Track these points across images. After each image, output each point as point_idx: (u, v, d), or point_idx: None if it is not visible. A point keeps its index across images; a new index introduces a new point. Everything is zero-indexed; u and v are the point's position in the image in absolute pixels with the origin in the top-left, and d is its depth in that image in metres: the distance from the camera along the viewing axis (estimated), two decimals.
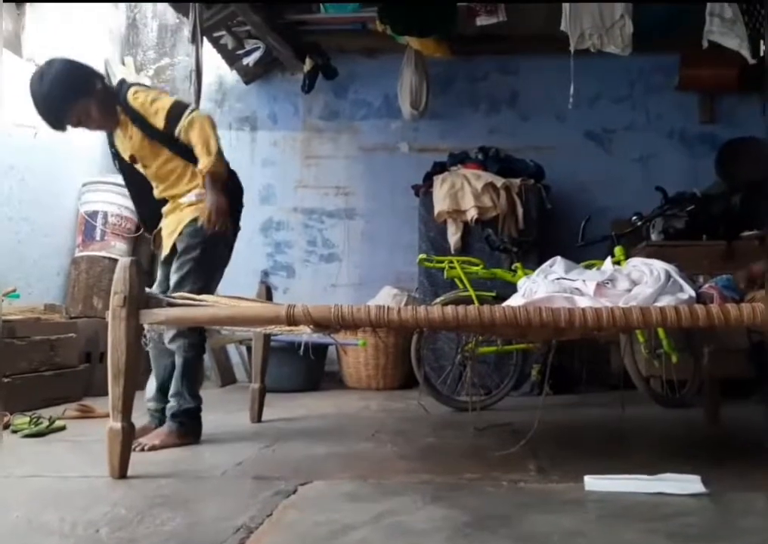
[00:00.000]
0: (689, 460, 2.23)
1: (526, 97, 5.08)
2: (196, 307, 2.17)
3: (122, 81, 2.75)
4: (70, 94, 2.52)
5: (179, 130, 2.55)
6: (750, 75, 4.42)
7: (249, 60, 4.87)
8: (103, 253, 4.51)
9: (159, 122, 2.56)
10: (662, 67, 4.91)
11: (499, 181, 4.33)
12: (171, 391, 2.66)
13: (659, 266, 2.29)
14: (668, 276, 2.22)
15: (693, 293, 2.18)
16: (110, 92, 2.65)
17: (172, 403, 2.64)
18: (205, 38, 4.30)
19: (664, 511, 1.73)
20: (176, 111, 2.56)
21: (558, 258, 2.48)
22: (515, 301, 2.28)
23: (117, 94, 2.64)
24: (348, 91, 5.19)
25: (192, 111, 2.59)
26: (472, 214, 4.29)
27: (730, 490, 1.91)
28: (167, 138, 2.59)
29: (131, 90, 2.62)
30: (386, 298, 4.58)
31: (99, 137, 4.89)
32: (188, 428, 2.64)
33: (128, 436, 2.10)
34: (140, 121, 2.60)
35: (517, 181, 4.39)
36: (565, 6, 3.96)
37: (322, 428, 3.09)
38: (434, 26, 4.07)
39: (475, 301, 3.41)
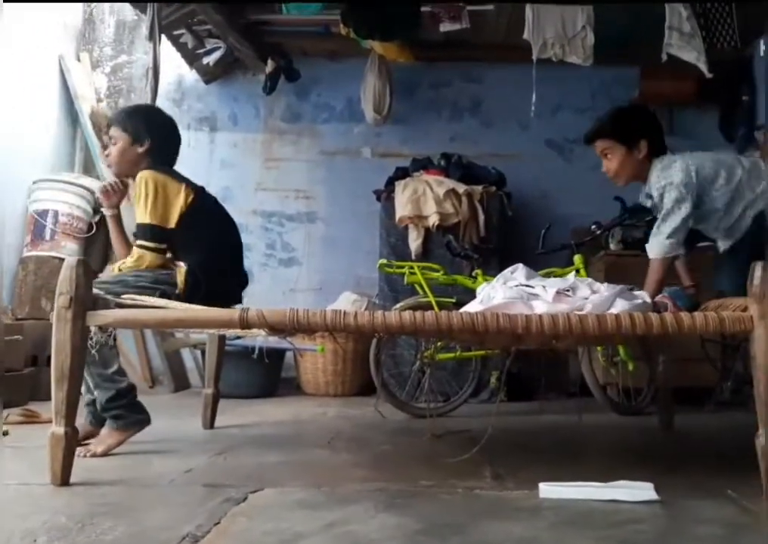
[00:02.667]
0: (642, 467, 2.24)
1: (489, 105, 5.11)
2: (145, 309, 2.10)
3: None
4: None
5: None
6: (707, 89, 4.52)
7: (210, 60, 4.79)
8: (52, 253, 4.36)
9: None
10: (622, 79, 4.99)
11: (461, 188, 4.33)
12: (90, 384, 2.50)
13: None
14: (622, 288, 2.24)
15: (648, 299, 2.20)
16: None
17: (96, 397, 2.49)
18: (164, 36, 4.23)
19: (617, 518, 1.72)
20: None
21: (520, 265, 2.48)
22: (472, 306, 2.27)
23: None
24: (310, 94, 5.15)
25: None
26: (433, 220, 4.28)
27: (682, 498, 1.92)
28: None
29: None
30: (346, 303, 4.54)
31: (49, 134, 4.79)
32: (125, 420, 2.48)
33: (71, 442, 2.02)
34: None
35: (479, 188, 4.40)
36: (528, 15, 4.00)
37: (276, 435, 3.03)
38: (397, 30, 4.07)
39: (435, 307, 3.39)
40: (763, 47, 3.94)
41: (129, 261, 2.60)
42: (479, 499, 1.93)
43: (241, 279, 2.91)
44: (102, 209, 2.90)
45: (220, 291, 2.63)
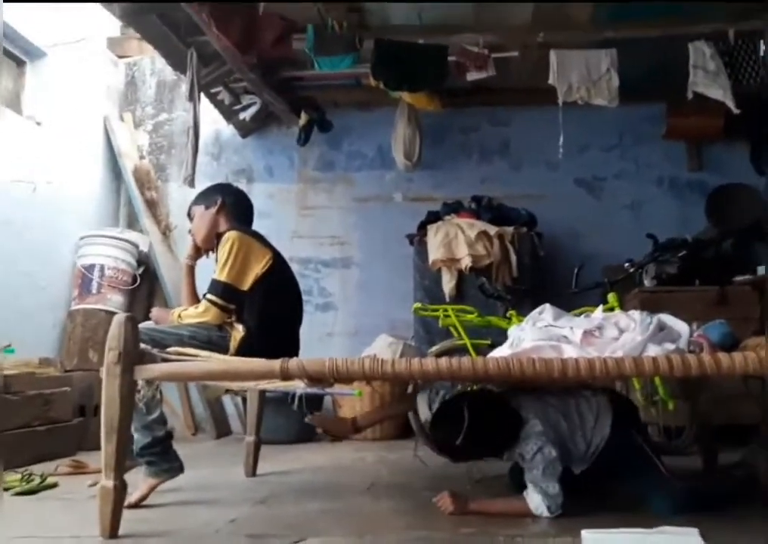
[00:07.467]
0: (686, 512, 2.20)
1: (517, 147, 5.18)
2: (189, 362, 2.18)
3: None
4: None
5: None
6: (734, 124, 4.53)
7: (246, 115, 4.97)
8: (99, 306, 4.52)
9: None
10: (649, 117, 5.03)
11: (492, 230, 4.38)
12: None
13: (654, 317, 2.31)
14: (660, 327, 2.23)
15: (683, 344, 2.18)
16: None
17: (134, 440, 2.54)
18: (203, 94, 4.41)
19: None
20: None
21: (547, 305, 2.49)
22: (501, 351, 2.30)
23: None
24: (342, 143, 5.29)
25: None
26: (466, 262, 4.32)
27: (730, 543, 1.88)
28: None
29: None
30: (382, 346, 4.57)
31: (95, 191, 4.99)
32: (157, 467, 2.53)
33: (120, 494, 2.08)
34: None
35: (510, 229, 4.44)
36: (553, 60, 4.08)
37: (317, 482, 3.06)
38: (425, 82, 4.19)
39: (470, 350, 3.41)
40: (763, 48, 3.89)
41: (193, 311, 2.67)
42: None
43: (294, 352, 2.88)
44: (183, 258, 3.10)
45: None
